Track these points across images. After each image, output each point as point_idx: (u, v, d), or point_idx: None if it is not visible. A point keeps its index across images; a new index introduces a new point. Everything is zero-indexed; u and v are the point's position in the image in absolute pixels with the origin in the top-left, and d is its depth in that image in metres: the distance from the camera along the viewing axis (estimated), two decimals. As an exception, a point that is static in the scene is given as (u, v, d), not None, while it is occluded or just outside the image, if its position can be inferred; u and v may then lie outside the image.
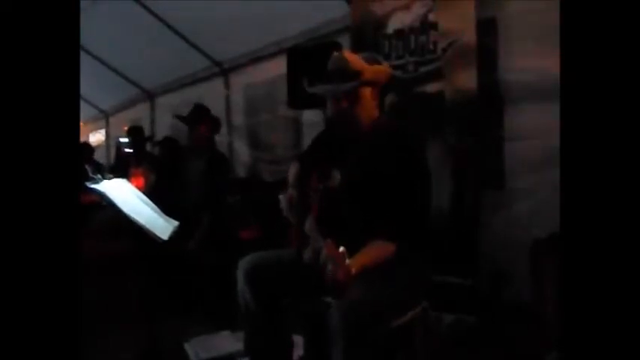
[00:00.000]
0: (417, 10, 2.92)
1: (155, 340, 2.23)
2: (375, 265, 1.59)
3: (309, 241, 1.77)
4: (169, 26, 4.69)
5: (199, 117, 3.50)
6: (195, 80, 5.38)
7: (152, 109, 6.48)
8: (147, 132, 5.50)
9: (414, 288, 1.78)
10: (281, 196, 1.92)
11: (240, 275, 1.89)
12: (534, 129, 2.48)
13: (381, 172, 1.69)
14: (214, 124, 3.58)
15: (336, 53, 1.85)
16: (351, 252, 1.52)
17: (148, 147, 5.25)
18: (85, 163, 5.20)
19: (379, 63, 1.94)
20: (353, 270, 1.44)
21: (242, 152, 5.03)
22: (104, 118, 8.07)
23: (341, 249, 1.43)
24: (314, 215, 1.78)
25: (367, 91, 1.79)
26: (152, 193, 3.24)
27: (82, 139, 7.87)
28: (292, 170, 2.00)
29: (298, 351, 2.06)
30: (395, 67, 2.99)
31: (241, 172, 5.00)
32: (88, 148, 6.27)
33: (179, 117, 3.60)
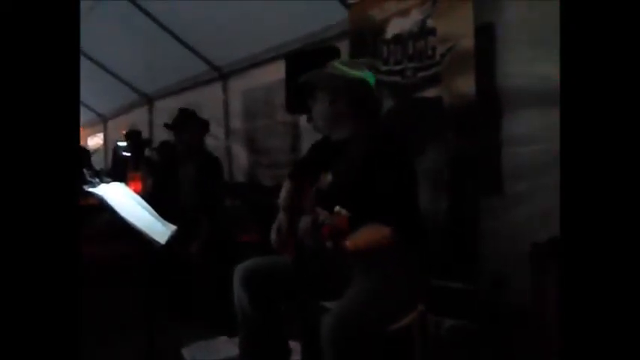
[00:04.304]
0: (416, 15, 2.93)
1: (153, 345, 2.22)
2: (373, 243, 1.59)
3: (305, 251, 1.76)
4: (168, 30, 4.70)
5: (184, 121, 3.51)
6: (193, 85, 5.39)
7: (150, 113, 6.47)
8: (145, 136, 5.50)
9: (410, 291, 1.78)
10: (272, 228, 1.93)
11: (236, 281, 1.89)
12: (533, 134, 2.49)
13: (367, 171, 1.71)
14: (201, 126, 3.58)
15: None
16: None
17: (147, 151, 5.24)
18: (83, 168, 5.19)
19: (377, 69, 1.96)
20: (346, 214, 1.47)
21: (240, 156, 5.02)
22: (102, 122, 8.06)
23: (336, 208, 1.47)
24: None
25: None
26: (149, 197, 3.23)
27: (81, 143, 7.86)
28: (284, 192, 2.00)
29: (295, 357, 2.05)
30: (393, 73, 3.00)
31: (240, 176, 5.00)
32: (84, 152, 6.24)
33: (166, 125, 3.61)
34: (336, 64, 1.92)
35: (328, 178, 1.83)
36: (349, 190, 1.74)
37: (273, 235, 1.93)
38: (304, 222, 1.70)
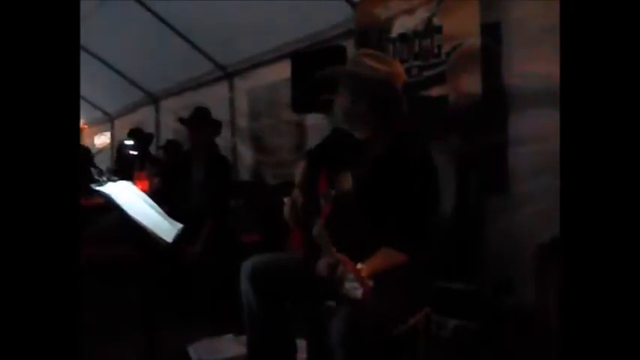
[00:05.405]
0: (422, 14, 2.92)
1: (158, 344, 2.23)
2: (387, 268, 1.58)
3: (317, 249, 1.74)
4: (174, 29, 4.70)
5: (200, 119, 3.52)
6: (199, 84, 5.39)
7: (157, 112, 6.50)
8: (148, 131, 5.52)
9: (417, 294, 1.77)
10: (285, 199, 1.91)
11: (243, 277, 1.88)
12: (538, 134, 2.47)
13: (389, 181, 1.69)
14: (215, 126, 3.60)
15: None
16: (360, 258, 1.51)
17: (153, 150, 5.26)
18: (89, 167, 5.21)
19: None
20: (370, 284, 1.42)
21: (246, 155, 5.03)
22: (109, 120, 8.09)
23: (358, 266, 1.42)
24: (322, 221, 1.73)
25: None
26: (158, 196, 3.24)
27: (87, 141, 7.89)
28: (299, 169, 1.98)
29: (301, 355, 2.05)
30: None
31: (245, 175, 5.01)
32: (86, 151, 6.24)
33: (181, 120, 3.63)
34: (363, 57, 1.81)
35: (348, 181, 1.81)
36: (367, 198, 1.72)
37: (286, 211, 1.89)
38: (322, 265, 1.65)
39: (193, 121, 3.53)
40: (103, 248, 3.39)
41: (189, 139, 3.63)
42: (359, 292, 1.39)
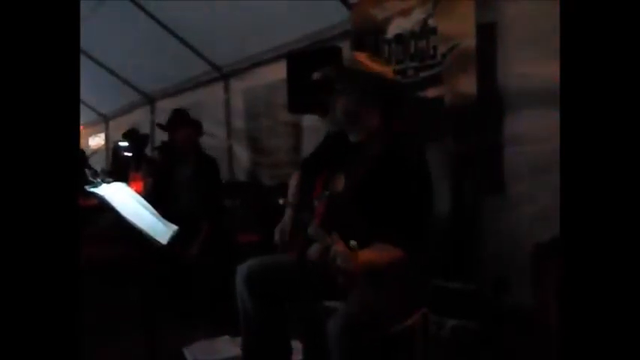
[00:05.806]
0: (417, 15, 2.93)
1: (158, 344, 2.22)
2: (381, 264, 1.58)
3: (310, 247, 1.74)
4: (170, 30, 4.70)
5: (178, 122, 3.51)
6: (195, 84, 5.39)
7: (152, 113, 6.47)
8: (143, 132, 5.50)
9: (414, 294, 1.78)
10: (281, 202, 1.91)
11: (238, 279, 1.88)
12: (534, 134, 2.48)
13: (386, 180, 1.69)
14: (195, 127, 3.58)
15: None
16: None
17: (149, 152, 5.25)
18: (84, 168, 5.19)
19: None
20: (361, 262, 1.43)
21: (242, 156, 5.03)
22: (104, 121, 8.06)
23: (352, 242, 1.42)
24: (317, 221, 1.75)
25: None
26: (149, 197, 3.23)
27: (82, 143, 7.86)
28: (293, 182, 1.98)
29: (297, 356, 2.05)
30: (395, 72, 3.00)
31: (241, 176, 5.01)
32: (80, 153, 6.21)
33: (159, 125, 3.61)
34: (361, 58, 1.82)
35: (342, 182, 1.81)
36: (363, 198, 1.72)
37: (276, 236, 1.92)
38: (314, 249, 1.67)
39: (171, 124, 3.52)
40: (103, 248, 3.38)
41: (171, 142, 3.62)
42: (350, 265, 1.40)
